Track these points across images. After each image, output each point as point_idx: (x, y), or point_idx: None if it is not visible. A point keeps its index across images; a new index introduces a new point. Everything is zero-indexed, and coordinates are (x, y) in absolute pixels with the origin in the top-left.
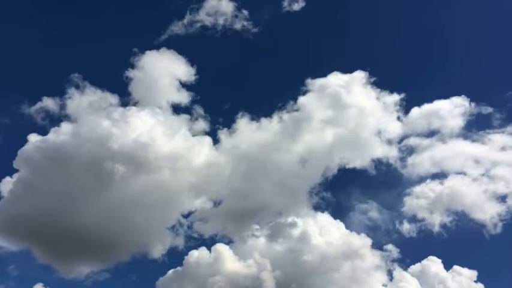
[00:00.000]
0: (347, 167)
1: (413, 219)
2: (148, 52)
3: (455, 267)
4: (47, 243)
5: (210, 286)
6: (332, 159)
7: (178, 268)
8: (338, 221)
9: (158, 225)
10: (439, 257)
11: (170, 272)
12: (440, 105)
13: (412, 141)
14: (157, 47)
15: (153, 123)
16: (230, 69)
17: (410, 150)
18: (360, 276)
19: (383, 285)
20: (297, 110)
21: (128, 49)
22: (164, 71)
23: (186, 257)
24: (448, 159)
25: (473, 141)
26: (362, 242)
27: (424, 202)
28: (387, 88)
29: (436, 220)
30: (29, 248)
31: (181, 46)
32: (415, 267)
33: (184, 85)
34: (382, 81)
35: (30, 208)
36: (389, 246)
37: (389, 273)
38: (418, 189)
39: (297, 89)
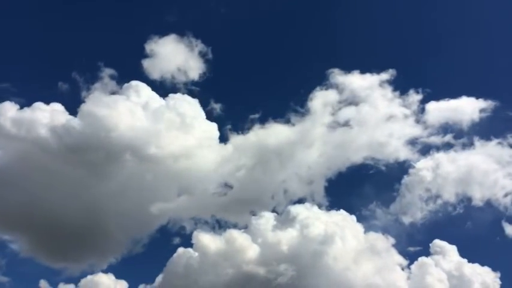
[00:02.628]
0: (363, 165)
1: (431, 214)
2: (162, 38)
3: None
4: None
5: (223, 272)
6: (348, 157)
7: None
8: (354, 217)
9: (167, 211)
10: (457, 246)
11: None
12: (464, 107)
13: (433, 142)
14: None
15: (163, 112)
16: (248, 60)
17: (430, 151)
18: (380, 271)
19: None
20: (309, 111)
21: (142, 36)
22: (177, 57)
23: (196, 240)
24: (471, 159)
25: (499, 143)
26: (378, 238)
27: (441, 198)
28: (409, 88)
29: (453, 212)
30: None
31: (198, 33)
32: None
33: (198, 77)
34: (405, 82)
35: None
36: (404, 241)
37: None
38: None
39: (315, 86)
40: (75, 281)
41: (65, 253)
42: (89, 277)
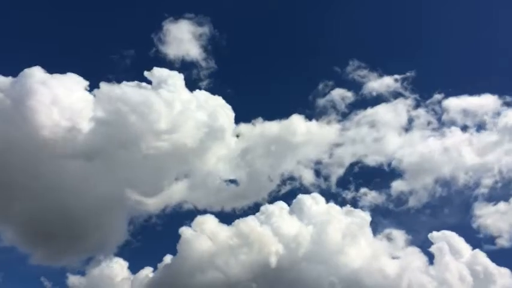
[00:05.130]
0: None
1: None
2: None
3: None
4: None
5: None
6: (361, 156)
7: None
8: (367, 213)
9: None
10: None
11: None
12: (486, 105)
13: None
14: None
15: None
16: (263, 51)
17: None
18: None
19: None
20: (325, 107)
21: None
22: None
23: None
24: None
25: None
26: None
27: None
28: (429, 89)
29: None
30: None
31: (213, 20)
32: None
33: (210, 64)
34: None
35: None
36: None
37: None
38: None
39: (333, 83)
40: (82, 272)
41: (67, 246)
42: (95, 265)
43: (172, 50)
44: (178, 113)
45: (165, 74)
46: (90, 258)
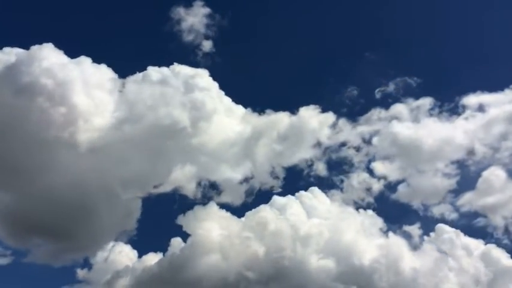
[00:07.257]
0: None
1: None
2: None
3: None
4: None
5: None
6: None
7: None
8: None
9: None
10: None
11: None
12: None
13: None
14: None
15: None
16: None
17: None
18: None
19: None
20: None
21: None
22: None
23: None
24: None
25: None
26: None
27: None
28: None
29: None
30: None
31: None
32: None
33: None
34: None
35: None
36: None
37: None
38: None
39: (347, 82)
40: (88, 265)
41: (67, 243)
42: (101, 254)
43: (180, 41)
44: (192, 111)
45: (191, 72)
46: (94, 252)
